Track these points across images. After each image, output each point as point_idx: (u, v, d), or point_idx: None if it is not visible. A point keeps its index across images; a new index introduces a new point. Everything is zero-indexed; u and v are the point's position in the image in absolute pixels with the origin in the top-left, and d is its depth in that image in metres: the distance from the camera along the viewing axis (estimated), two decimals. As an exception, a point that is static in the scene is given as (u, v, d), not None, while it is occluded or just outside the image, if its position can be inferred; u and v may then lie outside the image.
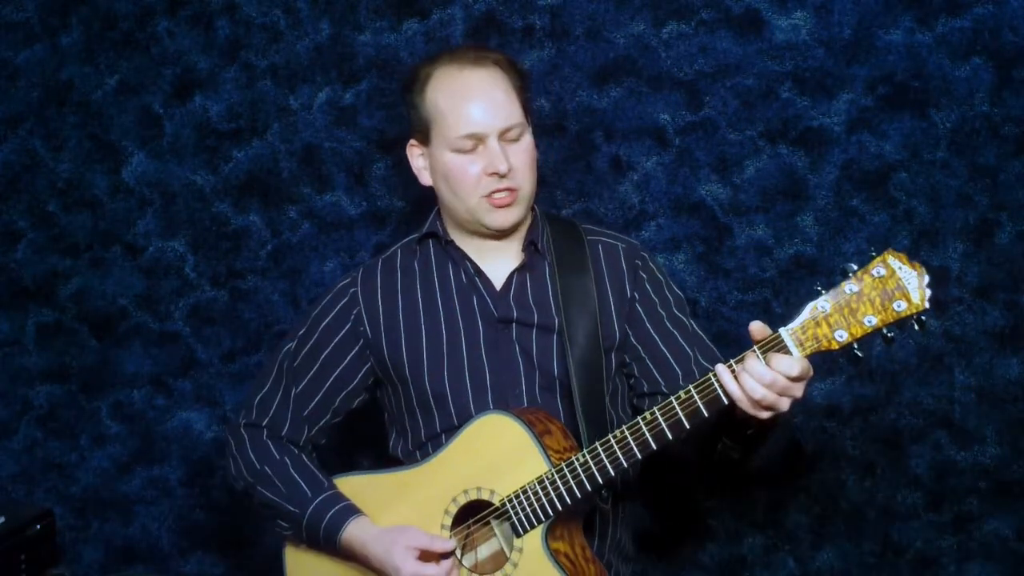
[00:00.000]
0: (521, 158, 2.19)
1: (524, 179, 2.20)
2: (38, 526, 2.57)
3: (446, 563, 2.09)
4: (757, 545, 2.69)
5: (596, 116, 2.63)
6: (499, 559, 2.13)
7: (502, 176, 2.16)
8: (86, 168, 2.81)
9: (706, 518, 2.70)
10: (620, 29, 2.61)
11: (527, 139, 2.22)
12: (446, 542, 2.10)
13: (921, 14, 2.52)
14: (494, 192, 2.18)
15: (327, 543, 2.17)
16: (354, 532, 2.14)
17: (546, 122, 2.63)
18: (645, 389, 2.26)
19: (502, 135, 2.17)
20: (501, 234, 2.24)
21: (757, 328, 1.93)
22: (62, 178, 2.82)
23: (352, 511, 2.17)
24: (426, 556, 2.09)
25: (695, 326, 2.29)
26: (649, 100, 2.61)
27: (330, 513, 2.16)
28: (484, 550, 2.15)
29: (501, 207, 2.19)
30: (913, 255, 2.54)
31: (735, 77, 2.58)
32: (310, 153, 2.74)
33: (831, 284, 1.89)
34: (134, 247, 2.82)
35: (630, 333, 2.25)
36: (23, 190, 2.83)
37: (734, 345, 2.61)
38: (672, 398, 1.98)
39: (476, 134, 2.16)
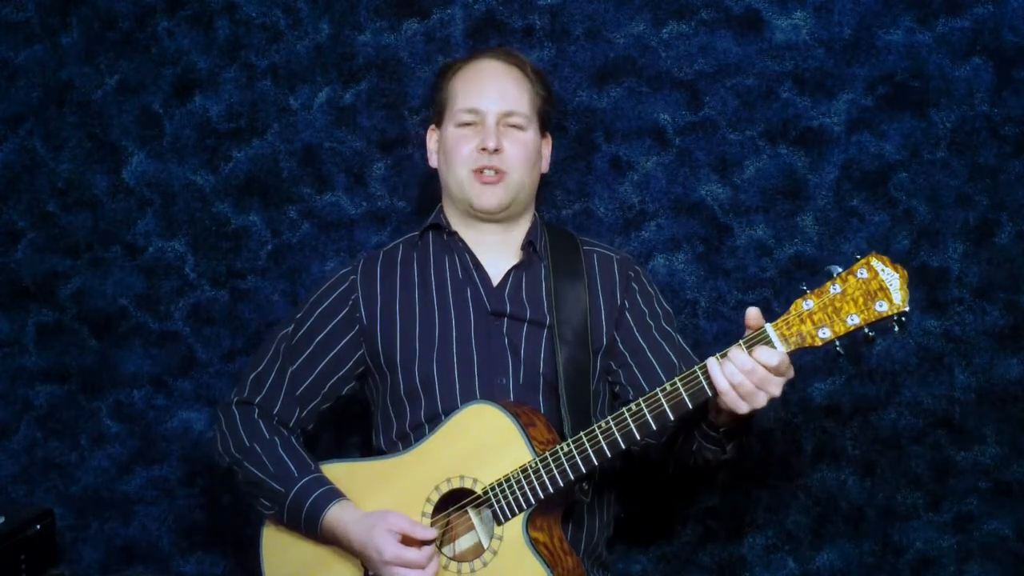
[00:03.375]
0: (516, 146, 2.28)
1: (515, 166, 2.28)
2: (38, 526, 2.57)
3: (427, 549, 2.10)
4: (757, 545, 2.69)
5: (596, 116, 2.63)
6: (478, 547, 2.15)
7: (491, 153, 2.25)
8: (86, 168, 2.81)
9: (706, 518, 2.70)
10: (620, 29, 2.61)
11: (529, 135, 2.30)
12: (427, 530, 2.11)
13: (921, 14, 2.52)
14: (482, 168, 2.26)
15: (308, 524, 2.19)
16: (337, 514, 2.16)
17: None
18: (630, 396, 2.30)
19: (503, 119, 2.27)
20: (490, 216, 2.30)
21: (753, 314, 1.99)
22: (62, 178, 2.82)
23: (336, 494, 2.19)
24: (407, 541, 2.11)
25: (681, 341, 2.34)
26: (649, 100, 2.62)
27: (314, 495, 2.18)
28: (464, 538, 2.17)
29: (486, 184, 2.26)
30: (913, 255, 2.58)
31: (735, 77, 2.58)
32: (310, 153, 2.74)
33: (816, 284, 1.95)
34: (134, 247, 2.82)
35: (618, 339, 2.30)
36: (23, 190, 2.83)
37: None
38: (657, 389, 2.03)
39: (476, 109, 2.27)
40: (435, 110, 2.38)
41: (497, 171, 2.26)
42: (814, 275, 2.59)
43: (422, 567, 2.09)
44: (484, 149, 2.25)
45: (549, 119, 2.39)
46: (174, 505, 2.87)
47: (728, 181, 2.61)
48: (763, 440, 2.63)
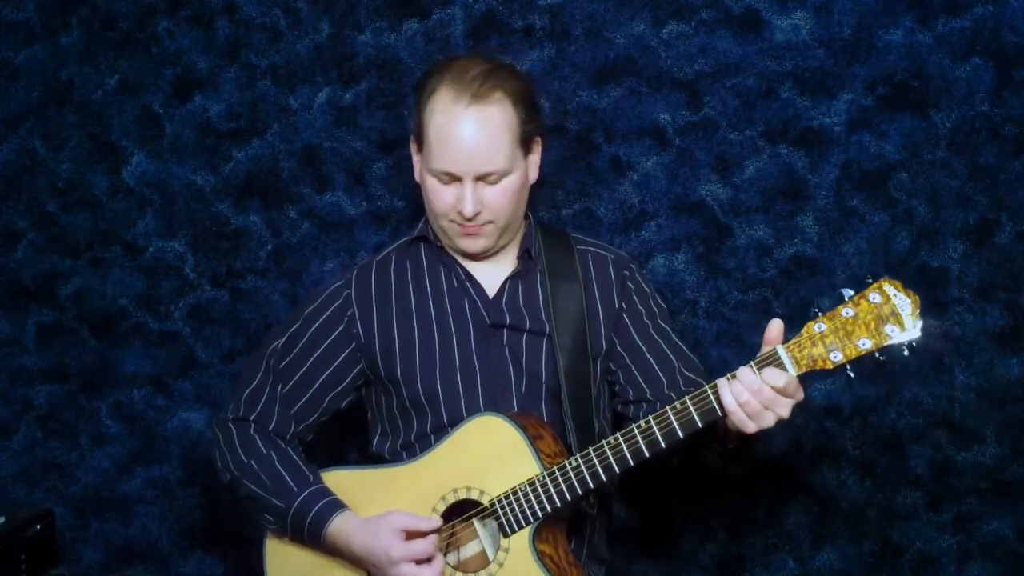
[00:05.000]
0: (497, 199, 2.18)
1: (499, 215, 2.20)
2: (38, 526, 2.57)
3: (433, 538, 2.09)
4: (757, 545, 2.69)
5: (596, 116, 2.63)
6: (481, 558, 2.15)
7: (468, 218, 2.18)
8: (86, 168, 2.81)
9: (706, 518, 2.70)
10: (620, 29, 2.61)
11: (509, 180, 2.19)
12: (430, 521, 2.10)
13: (921, 14, 2.52)
14: (463, 223, 2.20)
15: (312, 538, 2.18)
16: (339, 526, 2.15)
17: (546, 122, 2.63)
18: (630, 396, 2.30)
19: (480, 178, 2.17)
20: (473, 257, 2.26)
21: (775, 328, 1.98)
22: (62, 178, 2.82)
23: (338, 505, 2.17)
24: (412, 536, 2.10)
25: (676, 338, 2.33)
26: (649, 100, 2.61)
27: (315, 508, 2.17)
28: (467, 548, 2.17)
29: (468, 235, 2.21)
30: (913, 255, 2.58)
31: (735, 77, 2.58)
32: (310, 153, 2.74)
33: (828, 307, 1.96)
34: (134, 247, 2.82)
35: (616, 342, 2.29)
36: (23, 190, 2.83)
37: (734, 344, 2.63)
38: (667, 408, 2.02)
39: (451, 173, 2.17)
40: (413, 124, 2.25)
41: (480, 226, 2.20)
42: (814, 275, 2.60)
43: (431, 555, 2.08)
44: (461, 213, 2.17)
45: (539, 128, 2.28)
46: (174, 505, 2.87)
47: (728, 181, 2.61)
48: (763, 440, 2.62)
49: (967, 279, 2.57)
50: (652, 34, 2.60)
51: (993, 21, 2.49)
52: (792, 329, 2.52)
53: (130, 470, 2.87)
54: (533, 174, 2.28)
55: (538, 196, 2.64)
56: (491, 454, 2.12)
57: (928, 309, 2.56)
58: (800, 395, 1.99)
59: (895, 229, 2.58)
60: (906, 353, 1.93)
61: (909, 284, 2.54)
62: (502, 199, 2.19)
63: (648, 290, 2.36)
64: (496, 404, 2.21)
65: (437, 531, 2.11)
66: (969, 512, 2.62)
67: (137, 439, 2.86)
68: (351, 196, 2.74)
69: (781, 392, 1.95)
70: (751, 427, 1.97)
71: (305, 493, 2.19)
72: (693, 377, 2.27)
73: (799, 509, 2.67)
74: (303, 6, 2.70)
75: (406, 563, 2.08)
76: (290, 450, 2.27)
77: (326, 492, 2.20)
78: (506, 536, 2.10)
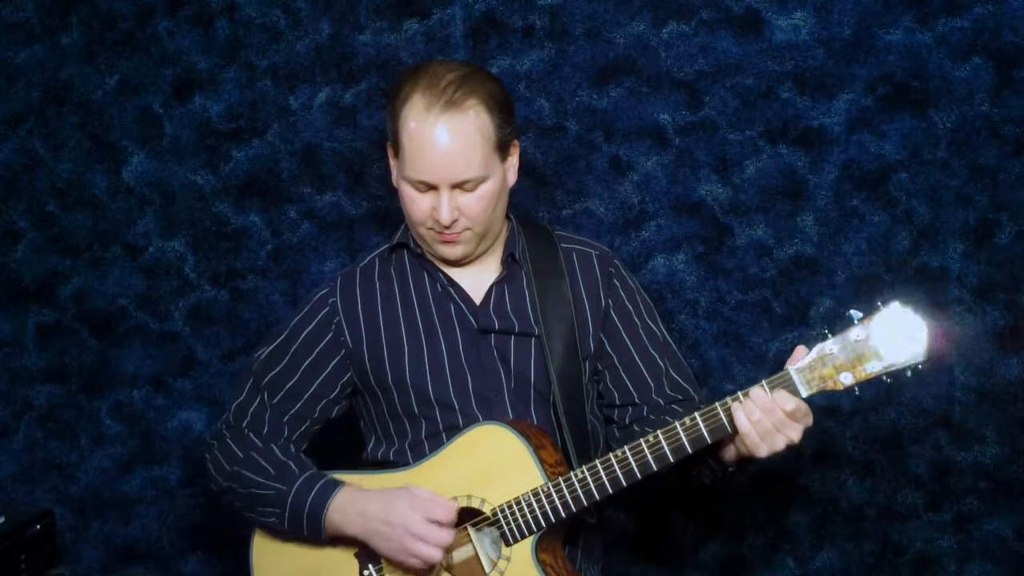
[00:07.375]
0: (474, 206, 2.16)
1: (477, 222, 2.18)
2: (38, 526, 2.57)
3: (449, 528, 2.08)
4: (757, 545, 2.69)
5: (596, 116, 2.63)
6: (473, 564, 2.14)
7: (445, 226, 2.16)
8: (86, 168, 2.81)
9: (706, 518, 2.70)
10: (620, 29, 2.61)
11: (486, 187, 2.16)
12: (447, 506, 2.08)
13: (921, 14, 2.52)
14: (440, 231, 2.18)
15: (312, 519, 2.14)
16: (344, 497, 2.13)
17: (546, 122, 2.63)
18: (616, 400, 2.29)
19: (456, 185, 2.15)
20: (455, 263, 2.25)
21: (800, 353, 2.01)
22: (62, 178, 2.82)
23: (339, 482, 2.16)
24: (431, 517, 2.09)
25: (666, 334, 2.33)
26: (649, 100, 2.61)
27: (318, 485, 2.15)
28: (459, 554, 2.16)
29: (446, 242, 2.20)
30: (913, 255, 2.58)
31: (735, 77, 2.58)
32: (310, 153, 2.74)
33: (838, 329, 1.98)
34: (134, 247, 2.82)
35: (605, 341, 2.28)
36: (23, 190, 2.83)
37: (734, 345, 2.63)
38: (676, 423, 2.03)
39: (427, 183, 2.15)
40: (389, 131, 2.23)
41: (458, 233, 2.18)
42: (814, 275, 2.60)
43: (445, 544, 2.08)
44: (438, 221, 2.16)
45: (516, 132, 2.24)
46: (174, 505, 2.87)
47: (728, 181, 2.61)
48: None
49: (967, 279, 2.57)
50: (652, 34, 2.60)
51: (993, 21, 2.49)
52: (794, 330, 2.54)
53: (130, 470, 2.87)
54: (512, 178, 2.25)
55: (538, 196, 2.65)
56: (493, 463, 2.12)
57: (928, 309, 2.57)
58: (809, 420, 2.01)
59: (895, 229, 2.58)
60: (909, 375, 1.96)
61: (909, 284, 2.56)
62: (479, 206, 2.16)
63: (634, 285, 2.34)
64: (488, 409, 2.20)
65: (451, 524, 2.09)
66: (969, 512, 2.63)
67: (137, 439, 2.86)
68: (351, 196, 2.74)
69: (789, 415, 1.97)
70: (762, 450, 1.99)
71: (307, 474, 2.18)
72: (681, 382, 2.28)
73: (799, 509, 2.67)
74: (303, 6, 2.70)
75: (420, 541, 2.06)
76: (291, 446, 2.27)
77: (326, 474, 2.19)
78: (508, 545, 2.10)
